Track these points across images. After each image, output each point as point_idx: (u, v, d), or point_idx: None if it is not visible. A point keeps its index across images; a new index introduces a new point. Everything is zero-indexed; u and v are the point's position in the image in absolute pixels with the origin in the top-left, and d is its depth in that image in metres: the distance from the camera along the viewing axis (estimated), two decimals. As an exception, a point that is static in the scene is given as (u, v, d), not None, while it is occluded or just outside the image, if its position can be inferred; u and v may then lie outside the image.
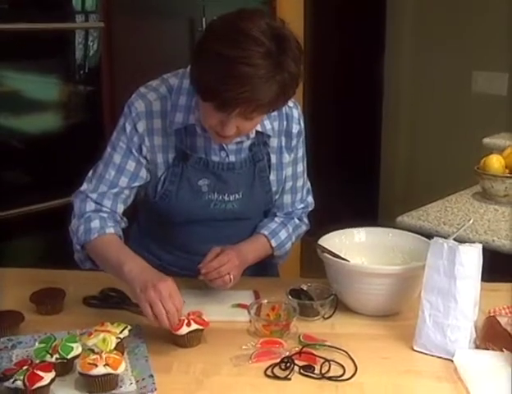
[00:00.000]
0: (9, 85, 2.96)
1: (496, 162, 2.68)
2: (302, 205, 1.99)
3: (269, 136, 1.82)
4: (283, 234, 1.92)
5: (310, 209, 2.03)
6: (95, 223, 1.73)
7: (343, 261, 1.73)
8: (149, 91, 1.77)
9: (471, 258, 1.51)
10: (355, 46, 4.51)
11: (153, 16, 3.14)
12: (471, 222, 2.11)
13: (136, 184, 1.80)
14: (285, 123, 1.84)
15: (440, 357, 1.53)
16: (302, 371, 1.47)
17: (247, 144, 1.80)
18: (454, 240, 1.59)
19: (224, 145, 1.77)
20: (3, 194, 2.89)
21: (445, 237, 1.61)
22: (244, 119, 1.58)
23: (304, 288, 1.77)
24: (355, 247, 1.87)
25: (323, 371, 1.47)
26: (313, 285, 1.78)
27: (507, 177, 2.64)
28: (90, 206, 1.78)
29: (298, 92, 3.56)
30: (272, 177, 1.87)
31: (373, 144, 4.46)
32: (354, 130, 4.52)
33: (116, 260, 1.65)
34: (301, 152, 1.91)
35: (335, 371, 1.47)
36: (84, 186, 1.81)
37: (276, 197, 1.92)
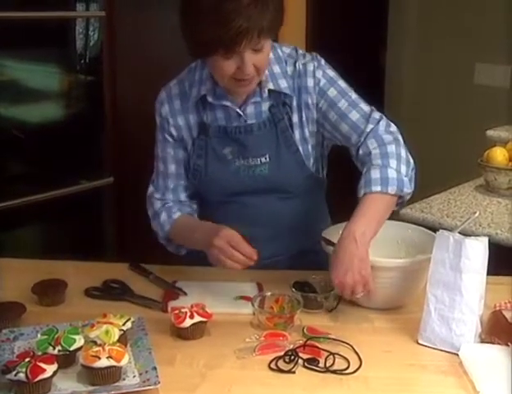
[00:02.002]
0: (9, 74, 2.95)
1: (499, 154, 2.67)
2: (370, 126, 1.77)
3: (287, 95, 1.81)
4: (374, 174, 1.68)
5: (383, 123, 1.78)
6: (163, 217, 1.89)
7: (347, 254, 1.70)
8: (173, 80, 1.89)
9: (477, 252, 1.50)
10: (357, 38, 4.47)
11: (155, 5, 3.11)
12: (477, 215, 2.10)
13: (184, 168, 1.90)
14: (299, 81, 1.82)
15: (445, 351, 1.52)
16: (306, 364, 1.46)
17: (266, 105, 1.82)
18: (459, 233, 1.57)
19: (242, 112, 1.80)
20: (3, 185, 2.88)
21: (448, 230, 1.59)
22: (254, 53, 1.64)
23: (308, 281, 1.76)
24: (359, 239, 1.85)
25: (328, 364, 1.46)
26: (317, 277, 1.77)
27: (511, 170, 2.63)
28: (157, 205, 1.93)
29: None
30: (297, 136, 1.84)
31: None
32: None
33: (190, 235, 1.82)
34: (334, 91, 1.80)
35: (339, 364, 1.46)
36: (150, 189, 1.97)
37: (312, 163, 1.86)
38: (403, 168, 1.71)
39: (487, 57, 3.91)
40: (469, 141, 3.61)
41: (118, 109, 3.16)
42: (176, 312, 1.57)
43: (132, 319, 1.54)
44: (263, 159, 1.82)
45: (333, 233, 1.78)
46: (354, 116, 1.79)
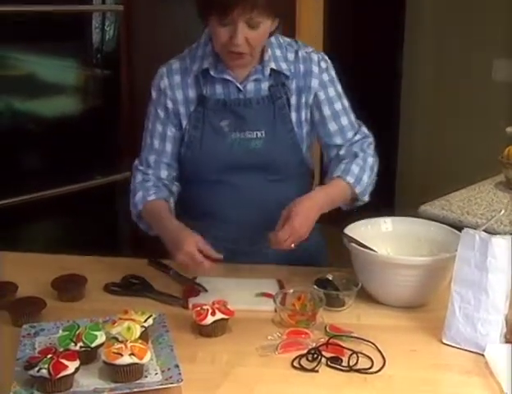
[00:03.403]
0: (25, 68, 2.95)
1: (520, 151, 2.63)
2: (358, 136, 1.94)
3: (286, 76, 1.87)
4: (355, 168, 1.86)
5: (370, 140, 1.96)
6: (139, 195, 1.90)
7: (370, 251, 1.69)
8: (173, 58, 1.93)
9: (503, 251, 1.47)
10: (374, 35, 4.45)
11: (172, -1, 3.10)
12: (502, 213, 2.06)
13: (171, 145, 1.92)
14: (301, 66, 1.89)
15: (470, 351, 1.50)
16: (329, 363, 1.45)
17: (265, 84, 1.86)
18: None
19: (242, 88, 1.85)
20: (20, 179, 2.88)
21: (469, 227, 1.57)
22: (249, 28, 1.70)
23: (330, 278, 1.74)
24: (381, 237, 1.83)
25: (351, 363, 1.44)
26: (339, 275, 1.75)
27: (531, 167, 2.59)
28: (138, 178, 1.94)
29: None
30: (293, 119, 1.89)
31: (391, 135, 4.41)
32: (371, 119, 4.46)
33: (156, 226, 1.85)
34: (333, 91, 1.92)
35: (363, 363, 1.45)
36: (136, 161, 1.98)
37: (304, 150, 1.92)
38: (371, 183, 1.91)
39: (506, 52, 3.86)
40: (489, 138, 3.57)
41: (134, 104, 3.15)
42: (198, 309, 1.56)
43: (153, 316, 1.52)
44: (259, 134, 1.85)
45: (355, 230, 1.77)
46: (345, 121, 1.93)
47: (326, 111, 1.91)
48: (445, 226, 1.83)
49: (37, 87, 3.00)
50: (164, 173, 1.93)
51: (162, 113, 1.91)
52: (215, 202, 1.90)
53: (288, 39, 1.93)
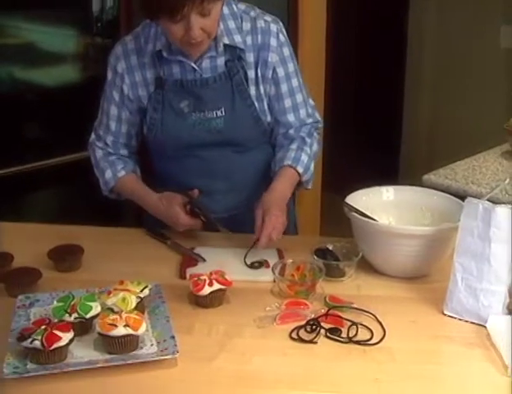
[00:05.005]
0: (24, 37, 2.91)
1: (526, 119, 2.59)
2: (310, 120, 1.97)
3: (242, 50, 1.83)
4: (304, 157, 1.89)
5: (320, 126, 2.01)
6: (108, 174, 1.93)
7: (372, 221, 1.66)
8: (128, 35, 1.90)
9: (507, 221, 1.44)
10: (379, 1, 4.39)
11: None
12: (507, 182, 2.02)
13: (127, 127, 1.93)
14: (259, 37, 1.85)
15: (472, 322, 1.47)
16: (328, 334, 1.42)
17: (221, 60, 1.83)
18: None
19: (197, 66, 1.82)
20: (19, 148, 2.85)
21: (474, 197, 1.53)
22: (202, 17, 1.66)
23: (330, 248, 1.71)
24: (382, 206, 1.80)
25: (350, 335, 1.41)
26: (339, 244, 1.73)
27: (538, 135, 2.55)
28: (98, 153, 1.97)
29: (319, 42, 3.49)
30: (252, 92, 1.87)
31: (396, 101, 4.35)
32: (376, 85, 4.42)
33: (137, 200, 1.93)
34: (292, 67, 1.91)
35: (362, 335, 1.42)
36: (92, 136, 2.00)
37: (268, 120, 1.91)
38: (313, 157, 1.95)
39: (513, 19, 3.79)
40: (495, 106, 3.52)
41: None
42: (195, 279, 1.54)
43: (149, 286, 1.50)
44: (219, 112, 1.84)
45: (356, 199, 1.74)
46: (300, 98, 1.93)
47: (284, 87, 1.90)
48: (448, 195, 1.80)
49: (36, 56, 2.95)
50: (124, 152, 1.97)
51: (117, 96, 1.90)
52: (182, 174, 1.91)
53: (243, 7, 1.88)
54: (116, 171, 1.93)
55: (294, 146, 1.91)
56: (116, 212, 3.25)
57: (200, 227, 1.85)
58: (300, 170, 1.88)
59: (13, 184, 2.79)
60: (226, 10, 1.81)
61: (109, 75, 1.90)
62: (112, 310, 1.38)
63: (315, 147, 1.96)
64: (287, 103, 1.91)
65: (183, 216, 1.80)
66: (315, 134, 1.98)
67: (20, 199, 2.89)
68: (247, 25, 1.84)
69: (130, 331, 1.32)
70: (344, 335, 1.42)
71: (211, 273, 1.54)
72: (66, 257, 1.72)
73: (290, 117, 1.93)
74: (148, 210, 1.91)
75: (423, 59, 4.27)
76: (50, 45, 3.00)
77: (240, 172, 1.93)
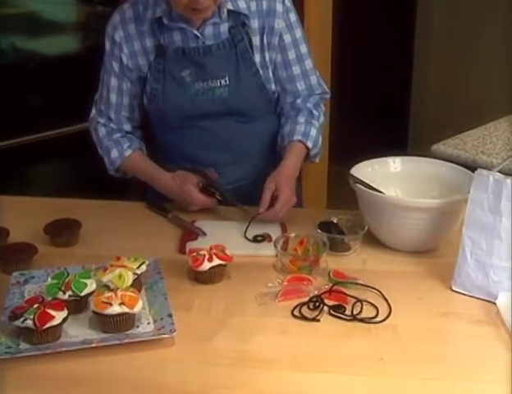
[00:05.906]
0: (25, 6, 2.91)
1: (538, 87, 2.52)
2: (319, 90, 1.93)
3: (247, 16, 1.78)
4: (313, 131, 1.85)
5: (328, 97, 1.97)
6: (114, 153, 1.88)
7: (378, 193, 1.60)
8: (126, 3, 1.82)
9: (519, 193, 1.38)
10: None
11: None
12: (519, 152, 1.97)
13: (128, 99, 1.87)
14: (264, 3, 1.79)
15: (480, 299, 1.42)
16: (332, 311, 1.38)
17: (225, 27, 1.78)
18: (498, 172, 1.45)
19: (200, 33, 1.76)
20: (19, 120, 2.82)
21: (484, 168, 1.47)
22: None
23: (335, 221, 1.66)
24: (389, 177, 1.74)
25: (355, 312, 1.37)
26: (344, 218, 1.68)
27: (550, 104, 2.48)
28: (101, 131, 1.91)
29: (326, 13, 3.41)
30: (257, 59, 1.82)
31: (405, 71, 4.29)
32: (384, 55, 4.34)
33: (147, 180, 1.90)
34: (299, 33, 1.86)
35: (367, 312, 1.37)
36: (93, 112, 1.94)
37: (273, 89, 1.86)
38: (321, 131, 1.91)
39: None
40: (506, 74, 3.44)
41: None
42: (194, 254, 1.49)
43: (147, 262, 1.46)
44: (223, 81, 1.79)
45: (362, 170, 1.68)
46: (309, 64, 1.88)
47: (292, 54, 1.85)
48: (457, 166, 1.74)
49: (37, 25, 2.95)
50: (127, 126, 1.92)
51: (116, 67, 1.84)
52: (185, 145, 1.86)
53: None
54: (122, 150, 1.88)
55: (302, 119, 1.86)
56: (121, 186, 3.23)
57: (214, 205, 1.81)
58: (310, 145, 1.83)
59: (15, 156, 2.77)
60: None
61: (107, 45, 1.84)
62: (107, 287, 1.34)
63: (322, 119, 1.91)
64: (295, 70, 1.86)
65: (197, 194, 1.77)
66: (322, 105, 1.93)
67: (22, 171, 2.86)
68: None
69: (125, 309, 1.27)
70: (348, 312, 1.37)
71: (210, 248, 1.49)
72: (62, 231, 1.67)
73: (300, 85, 1.88)
74: (159, 190, 1.86)
75: (433, 25, 4.19)
76: (51, 14, 2.99)
77: (244, 143, 1.88)
